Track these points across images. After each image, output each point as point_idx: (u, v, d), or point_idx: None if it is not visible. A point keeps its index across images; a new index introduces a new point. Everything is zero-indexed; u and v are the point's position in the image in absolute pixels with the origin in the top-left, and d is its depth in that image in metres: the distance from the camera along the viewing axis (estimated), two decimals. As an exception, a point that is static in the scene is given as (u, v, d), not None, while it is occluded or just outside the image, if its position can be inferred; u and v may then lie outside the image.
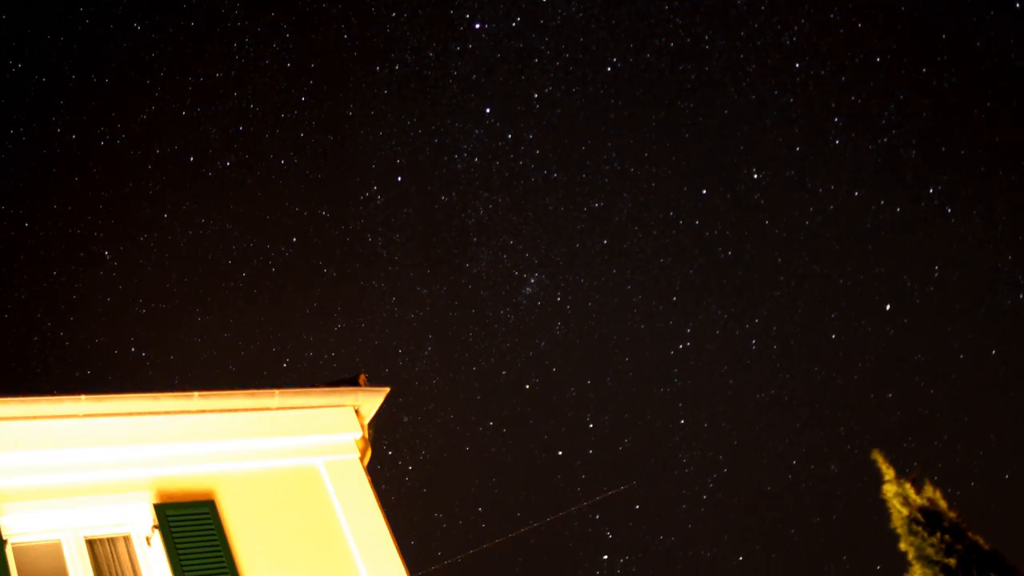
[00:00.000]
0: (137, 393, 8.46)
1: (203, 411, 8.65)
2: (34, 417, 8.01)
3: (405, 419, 28.12)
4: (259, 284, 28.42)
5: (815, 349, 27.73)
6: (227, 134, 28.19)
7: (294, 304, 28.68)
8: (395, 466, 27.79)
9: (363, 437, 9.34)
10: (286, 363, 28.05)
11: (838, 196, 27.14)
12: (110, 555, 8.06)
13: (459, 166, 28.45)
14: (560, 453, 28.27)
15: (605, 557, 27.53)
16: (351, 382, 9.47)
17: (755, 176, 27.29)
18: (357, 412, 9.36)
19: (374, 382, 9.52)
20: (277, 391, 8.99)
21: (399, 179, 28.25)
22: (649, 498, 28.07)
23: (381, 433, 9.82)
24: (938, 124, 26.58)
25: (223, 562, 8.01)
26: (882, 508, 9.79)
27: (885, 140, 26.60)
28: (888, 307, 26.85)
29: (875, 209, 26.87)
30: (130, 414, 8.38)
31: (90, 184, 28.27)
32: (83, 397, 8.16)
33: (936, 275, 26.80)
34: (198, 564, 7.92)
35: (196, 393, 8.62)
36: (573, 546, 28.15)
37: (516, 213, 28.56)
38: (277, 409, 8.98)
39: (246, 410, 8.86)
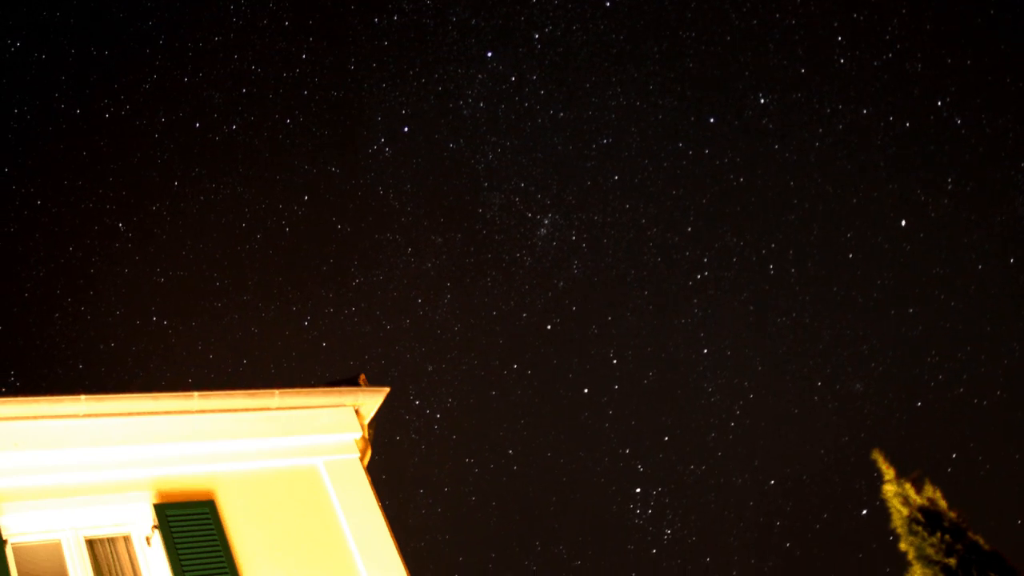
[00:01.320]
0: (137, 393, 8.46)
1: (203, 411, 8.65)
2: (34, 417, 8.01)
3: (429, 368, 28.51)
4: (274, 244, 28.67)
5: (833, 270, 27.65)
6: (230, 97, 28.31)
7: (310, 262, 28.91)
8: (423, 415, 28.15)
9: (363, 437, 9.34)
10: (307, 321, 28.21)
11: (846, 115, 27.09)
12: (110, 555, 8.06)
13: (465, 112, 28.55)
14: (586, 391, 28.43)
15: (638, 490, 27.77)
16: (351, 382, 9.47)
17: (761, 101, 27.23)
18: (357, 412, 9.36)
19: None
20: (277, 391, 8.99)
21: (406, 130, 28.34)
22: (676, 429, 28.27)
23: (381, 433, 9.82)
24: (942, 36, 26.41)
25: (223, 562, 8.01)
26: (882, 508, 9.80)
27: (889, 55, 26.46)
28: (903, 223, 26.70)
29: (884, 125, 26.78)
30: (130, 414, 8.38)
31: (98, 157, 28.52)
32: (83, 397, 8.16)
33: (949, 187, 26.62)
34: (198, 564, 7.92)
35: (196, 393, 8.62)
36: (605, 481, 28.40)
37: (525, 155, 28.65)
38: (277, 409, 8.98)
39: (246, 410, 8.86)
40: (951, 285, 26.77)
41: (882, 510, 9.76)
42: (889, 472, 9.79)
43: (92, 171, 28.24)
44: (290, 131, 28.44)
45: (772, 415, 27.82)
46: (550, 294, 28.52)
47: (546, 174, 28.61)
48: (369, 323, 28.56)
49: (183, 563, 7.88)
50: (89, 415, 8.20)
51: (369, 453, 9.48)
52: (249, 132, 28.45)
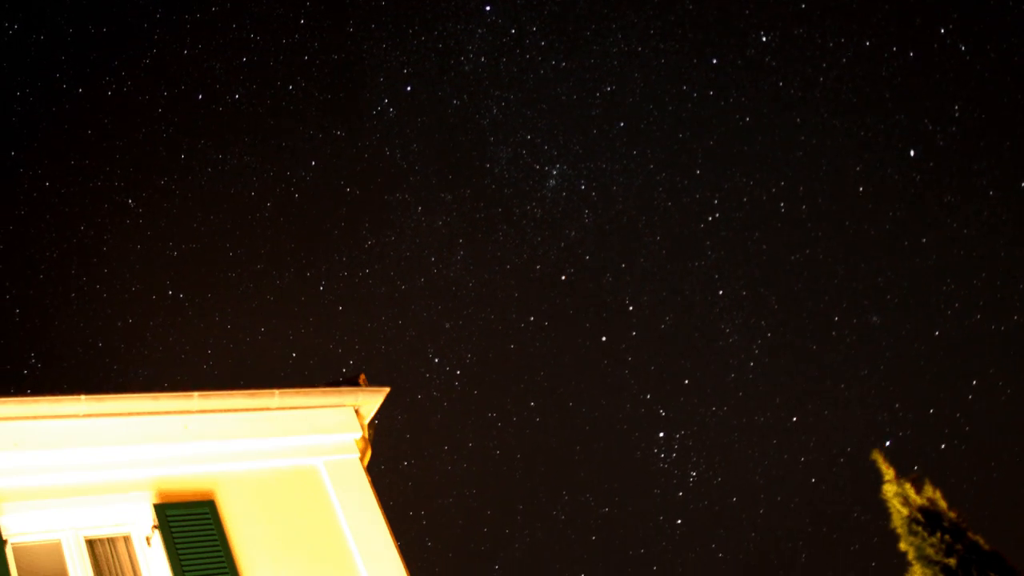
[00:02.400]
0: (137, 393, 8.46)
1: (203, 411, 8.65)
2: (34, 417, 8.01)
3: (447, 325, 28.71)
4: (285, 211, 28.82)
5: (844, 204, 27.58)
6: (231, 67, 28.37)
7: (321, 227, 29.03)
8: (443, 372, 28.35)
9: (363, 437, 9.34)
10: (322, 285, 28.32)
11: (849, 48, 26.93)
12: (110, 555, 8.06)
13: (466, 68, 28.59)
14: (604, 339, 28.49)
15: (661, 435, 27.89)
16: (351, 382, 9.47)
17: (763, 39, 27.12)
18: (357, 412, 9.36)
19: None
20: (277, 391, 8.98)
21: (408, 89, 28.42)
22: (696, 372, 28.34)
23: (381, 433, 9.82)
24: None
25: (223, 562, 8.00)
26: (882, 508, 9.80)
27: (891, -16, 26.32)
28: (912, 153, 26.59)
29: (888, 56, 26.61)
30: (130, 414, 8.38)
31: (104, 135, 28.66)
32: (83, 397, 8.16)
33: (957, 115, 26.49)
34: (198, 564, 7.92)
35: (196, 393, 8.62)
36: (628, 428, 28.52)
37: (529, 107, 28.63)
38: (277, 409, 8.98)
39: (246, 410, 8.85)
40: (962, 213, 26.61)
41: (882, 510, 9.77)
42: (889, 472, 9.79)
43: (98, 149, 28.48)
44: (293, 97, 28.59)
45: (791, 353, 27.96)
46: (562, 244, 28.67)
47: (552, 125, 28.64)
48: (384, 284, 28.78)
49: (183, 563, 7.88)
50: (89, 415, 8.19)
51: (369, 453, 9.48)
52: (252, 101, 28.61)
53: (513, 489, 28.93)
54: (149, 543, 8.07)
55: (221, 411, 8.75)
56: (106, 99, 28.13)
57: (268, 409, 8.94)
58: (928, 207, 26.88)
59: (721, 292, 27.93)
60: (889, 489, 9.72)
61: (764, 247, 27.90)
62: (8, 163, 28.02)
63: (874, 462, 9.96)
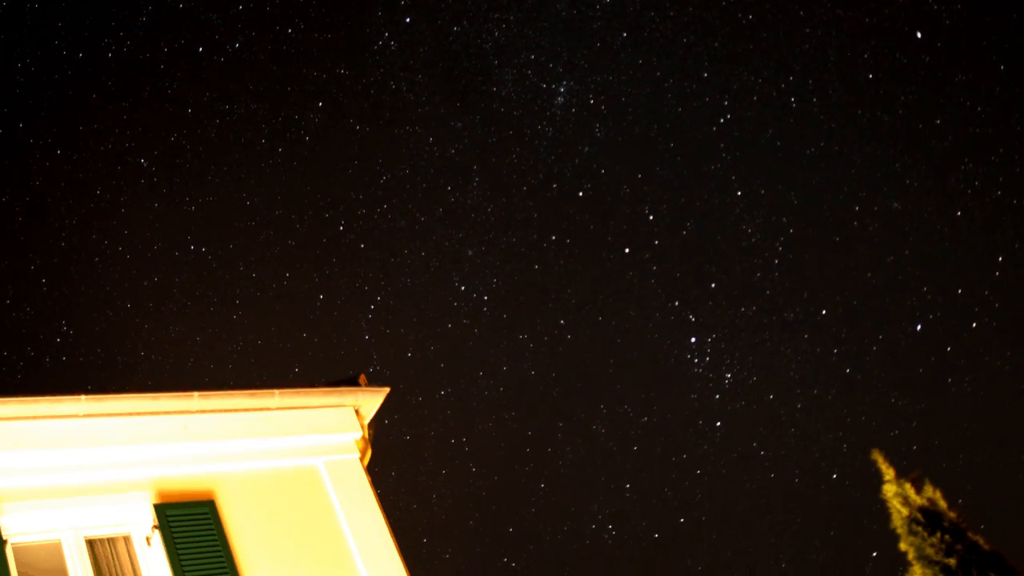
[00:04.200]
0: (137, 393, 8.46)
1: (203, 411, 8.65)
2: (34, 417, 8.01)
3: (469, 252, 28.80)
4: (297, 155, 28.93)
5: (855, 93, 27.41)
6: (229, 16, 28.33)
7: (335, 166, 29.11)
8: (470, 299, 28.49)
9: (363, 437, 9.34)
10: (341, 225, 28.43)
11: None
12: (110, 555, 8.06)
13: None
14: (627, 250, 28.50)
15: (693, 340, 28.00)
16: (351, 382, 9.47)
17: None
18: (357, 412, 9.36)
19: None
20: (277, 391, 8.98)
21: (408, 20, 28.31)
22: (722, 274, 28.36)
23: (381, 433, 9.82)
24: None
25: (223, 562, 8.01)
26: (882, 508, 9.80)
27: None
28: (919, 35, 26.30)
29: None
30: (130, 414, 8.38)
31: (109, 97, 28.75)
32: (83, 397, 8.16)
33: None
34: (198, 564, 7.92)
35: (196, 393, 8.62)
36: (659, 336, 28.67)
37: (530, 27, 28.56)
38: (277, 409, 8.98)
39: (246, 410, 8.86)
40: (975, 90, 26.44)
41: (882, 510, 9.76)
42: (889, 472, 9.79)
43: (105, 112, 28.58)
44: (293, 40, 28.59)
45: (814, 246, 27.87)
46: (577, 161, 28.60)
47: (554, 42, 28.55)
48: (403, 217, 28.89)
49: (183, 563, 7.88)
50: (89, 415, 8.19)
51: (369, 453, 9.48)
52: (253, 48, 28.63)
53: (551, 408, 29.22)
54: (149, 543, 8.07)
55: (221, 411, 8.75)
56: (106, 61, 28.29)
57: (268, 409, 8.94)
58: (940, 88, 26.66)
59: (739, 193, 27.82)
60: (889, 489, 9.72)
61: (778, 144, 27.77)
62: (16, 135, 28.24)
63: (874, 462, 9.96)
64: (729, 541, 28.43)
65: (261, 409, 8.91)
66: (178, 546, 7.95)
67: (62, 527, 7.92)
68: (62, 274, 28.06)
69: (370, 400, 9.42)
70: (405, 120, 28.76)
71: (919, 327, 26.56)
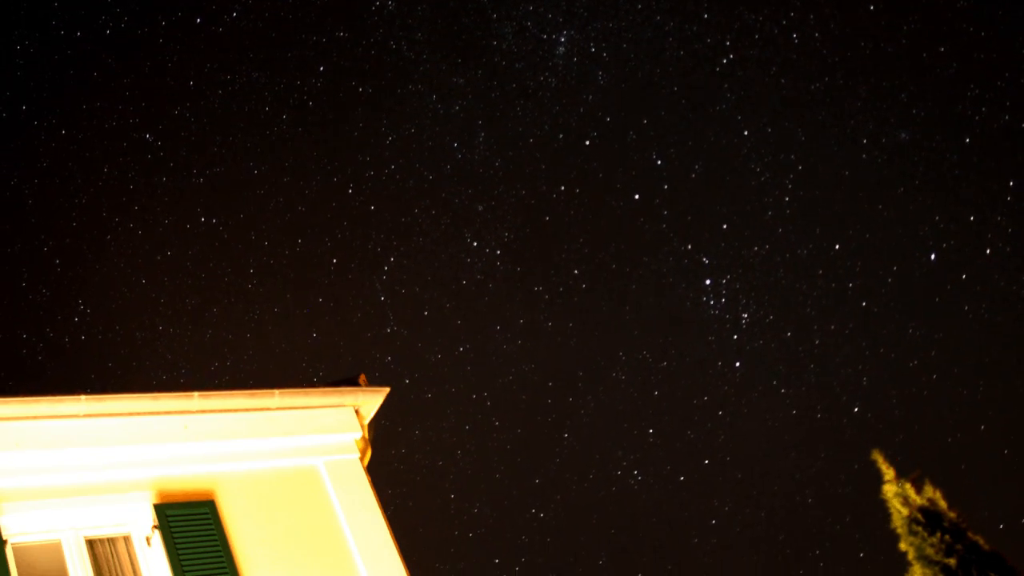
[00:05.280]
0: (137, 393, 8.46)
1: (203, 411, 8.65)
2: (34, 417, 8.01)
3: (480, 208, 28.81)
4: (301, 121, 28.97)
5: (857, 25, 27.16)
6: None
7: (340, 129, 29.09)
8: (483, 254, 28.62)
9: (363, 437, 9.34)
10: (350, 188, 28.48)
11: None
12: (110, 555, 8.06)
13: None
14: (636, 196, 28.43)
15: (707, 282, 28.01)
16: (351, 382, 9.47)
17: None
18: (357, 412, 9.36)
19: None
20: (277, 391, 8.98)
21: None
22: (733, 215, 28.34)
23: (381, 433, 9.82)
24: None
25: (223, 562, 8.01)
26: (882, 508, 9.80)
27: None
28: None
29: None
30: (130, 414, 8.38)
31: (110, 75, 28.86)
32: (83, 397, 8.16)
33: None
34: (198, 564, 7.92)
35: (196, 393, 8.62)
36: (674, 280, 28.70)
37: None
38: (277, 409, 8.98)
39: (246, 410, 8.85)
40: (978, 15, 26.31)
41: (882, 510, 9.77)
42: (889, 472, 9.79)
43: (107, 90, 28.69)
44: (290, 6, 28.66)
45: (824, 182, 27.84)
46: (581, 110, 28.50)
47: None
48: (411, 176, 28.94)
49: (183, 563, 7.88)
50: (89, 415, 8.19)
51: (369, 453, 9.48)
52: (250, 16, 28.65)
53: (570, 357, 29.28)
54: (149, 543, 8.07)
55: (221, 411, 8.75)
56: (106, 38, 28.40)
57: (268, 409, 8.94)
58: (942, 15, 26.47)
59: (746, 133, 27.71)
60: (889, 489, 9.72)
61: (782, 81, 27.72)
62: (20, 118, 28.36)
63: (874, 462, 9.96)
64: (754, 480, 28.70)
65: (261, 409, 8.91)
66: (178, 546, 7.95)
67: (62, 527, 7.92)
68: (75, 254, 28.33)
69: (370, 400, 9.42)
70: (407, 79, 28.82)
71: (933, 256, 26.54)
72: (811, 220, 27.85)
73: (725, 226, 28.06)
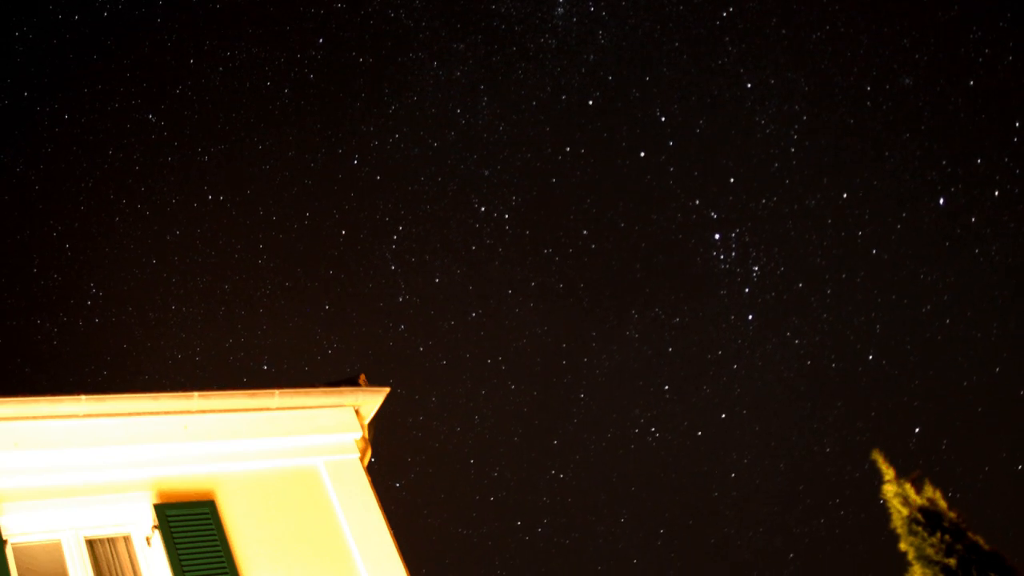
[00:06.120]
0: (137, 393, 8.46)
1: (203, 411, 8.65)
2: (34, 417, 8.01)
3: (486, 172, 29.03)
4: (303, 94, 29.03)
5: None
6: None
7: (342, 100, 29.17)
8: (491, 219, 28.79)
9: (363, 437, 9.34)
10: (355, 160, 28.52)
11: None
12: (110, 555, 8.06)
13: None
14: (642, 154, 28.51)
15: (716, 236, 28.16)
16: (351, 382, 9.46)
17: None
18: (357, 412, 9.36)
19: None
20: (277, 391, 8.98)
21: None
22: (739, 168, 28.35)
23: (381, 433, 9.82)
24: None
25: (223, 562, 8.01)
26: (882, 508, 9.79)
27: None
28: None
29: None
30: (130, 414, 8.38)
31: (110, 57, 28.93)
32: (83, 397, 8.16)
33: None
34: (198, 564, 7.92)
35: (196, 393, 8.62)
36: (683, 236, 28.84)
37: None
38: (277, 409, 8.98)
39: (246, 410, 8.85)
40: None
41: (882, 510, 9.76)
42: (889, 472, 9.78)
43: (108, 72, 28.77)
44: None
45: (829, 131, 27.83)
46: (583, 70, 28.57)
47: None
48: (416, 144, 29.00)
49: (183, 563, 7.88)
50: (89, 415, 8.19)
51: (369, 453, 9.48)
52: None
53: (583, 318, 29.48)
54: (149, 543, 8.07)
55: (221, 411, 8.75)
56: (104, 20, 28.48)
57: (268, 409, 8.94)
58: None
59: (749, 85, 27.79)
60: (889, 489, 9.71)
61: (783, 32, 27.70)
62: (22, 104, 28.47)
63: (874, 462, 9.96)
64: (772, 431, 28.91)
65: (261, 409, 8.91)
66: (178, 546, 7.95)
67: (62, 527, 7.92)
68: (85, 237, 28.50)
69: (370, 400, 9.42)
70: (407, 47, 28.85)
71: (941, 201, 26.64)
72: (818, 170, 27.95)
73: (732, 180, 28.16)
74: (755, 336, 28.42)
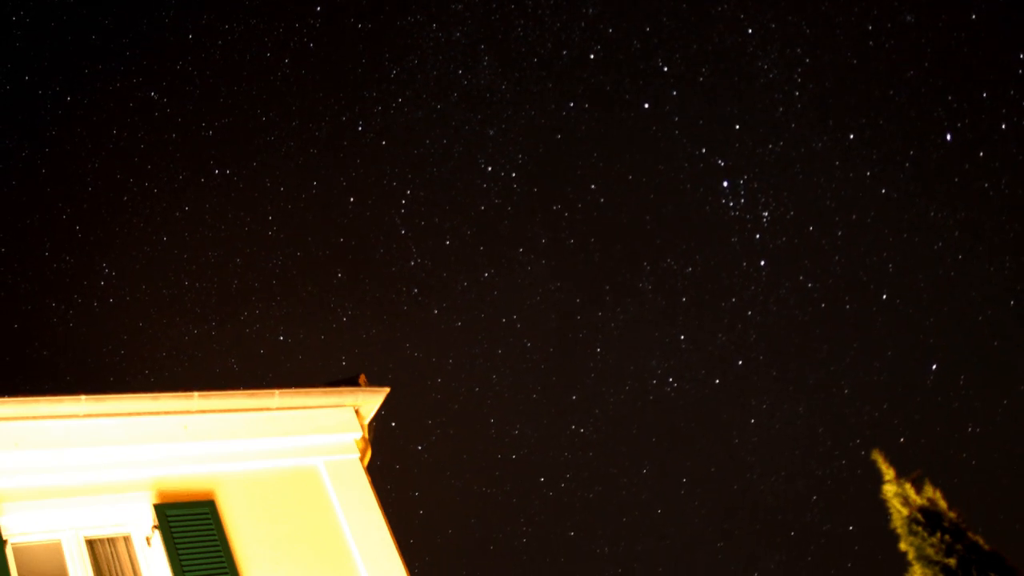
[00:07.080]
0: (137, 393, 8.46)
1: (203, 411, 8.65)
2: (34, 417, 8.01)
3: (491, 132, 28.81)
4: (304, 63, 29.00)
5: None
6: None
7: (344, 67, 29.09)
8: (498, 178, 28.67)
9: (363, 437, 9.34)
10: (360, 126, 28.47)
11: None
12: (110, 555, 8.06)
13: None
14: (646, 106, 28.38)
15: (725, 184, 27.99)
16: (351, 382, 9.47)
17: None
18: (357, 412, 9.36)
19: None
20: (277, 391, 8.98)
21: None
22: (744, 115, 28.20)
23: (381, 432, 9.82)
24: None
25: (223, 562, 8.01)
26: (882, 508, 9.79)
27: None
28: None
29: None
30: (130, 414, 8.38)
31: (108, 37, 28.93)
32: (83, 397, 8.16)
33: None
34: (198, 564, 7.92)
35: (196, 393, 8.62)
36: (691, 186, 28.71)
37: None
38: (277, 409, 8.98)
39: (246, 410, 8.86)
40: None
41: (882, 510, 9.76)
42: (889, 472, 9.78)
43: (107, 51, 28.80)
44: None
45: (833, 72, 27.70)
46: (583, 24, 28.39)
47: None
48: (419, 108, 28.92)
49: (183, 563, 7.88)
50: (89, 415, 8.20)
51: (369, 453, 9.48)
52: None
53: (595, 273, 29.42)
54: (149, 543, 8.07)
55: (221, 411, 8.75)
56: (102, 2, 28.57)
57: (268, 409, 8.94)
58: None
59: (750, 31, 27.50)
60: (889, 489, 9.71)
61: None
62: (24, 88, 28.52)
63: (874, 462, 9.95)
64: (790, 376, 28.91)
65: (261, 409, 8.91)
66: (178, 546, 7.95)
67: (62, 527, 7.92)
68: (94, 218, 28.52)
69: (370, 400, 9.42)
70: (406, 10, 28.77)
71: (948, 137, 26.43)
72: (823, 112, 27.79)
73: (738, 126, 27.97)
74: (768, 281, 28.34)
